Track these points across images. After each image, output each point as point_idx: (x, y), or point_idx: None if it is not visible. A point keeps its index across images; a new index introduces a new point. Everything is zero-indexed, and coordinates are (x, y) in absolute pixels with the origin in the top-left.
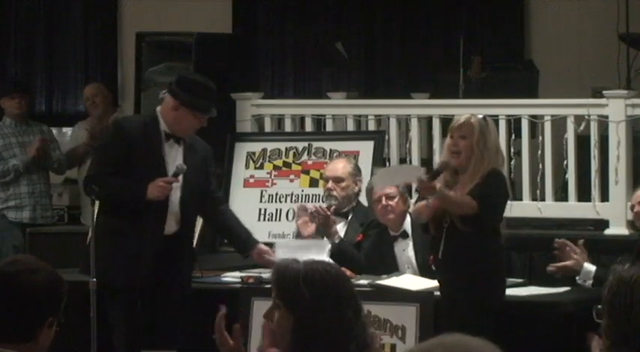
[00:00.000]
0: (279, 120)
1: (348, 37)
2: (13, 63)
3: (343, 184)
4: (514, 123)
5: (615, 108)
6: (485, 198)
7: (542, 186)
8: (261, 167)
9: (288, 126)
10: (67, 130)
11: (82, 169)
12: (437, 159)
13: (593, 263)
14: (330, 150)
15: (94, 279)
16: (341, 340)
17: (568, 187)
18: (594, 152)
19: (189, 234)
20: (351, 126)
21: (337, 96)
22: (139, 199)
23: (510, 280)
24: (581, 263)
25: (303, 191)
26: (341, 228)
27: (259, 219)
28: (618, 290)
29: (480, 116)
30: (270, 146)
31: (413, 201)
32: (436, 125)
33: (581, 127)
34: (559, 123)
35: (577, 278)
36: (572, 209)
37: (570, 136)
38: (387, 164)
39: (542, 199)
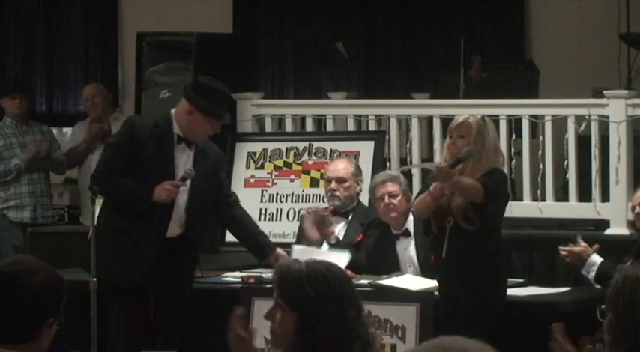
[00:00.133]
0: (279, 120)
1: (348, 37)
2: (13, 63)
3: (346, 184)
4: (514, 123)
5: (616, 108)
6: (490, 187)
7: (542, 186)
8: (262, 167)
9: (288, 126)
10: (67, 130)
11: (82, 169)
12: (437, 160)
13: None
14: (331, 150)
15: (94, 279)
16: (345, 339)
17: (568, 187)
18: (595, 152)
19: (194, 237)
20: (351, 126)
21: (337, 96)
22: (145, 200)
23: (510, 280)
24: (589, 253)
25: (303, 191)
26: (341, 228)
27: (260, 219)
28: (623, 287)
29: (479, 116)
30: (271, 146)
31: (414, 195)
32: (437, 125)
33: (582, 127)
34: (559, 123)
35: (582, 270)
36: (573, 209)
37: (571, 136)
38: (388, 164)
39: (543, 199)
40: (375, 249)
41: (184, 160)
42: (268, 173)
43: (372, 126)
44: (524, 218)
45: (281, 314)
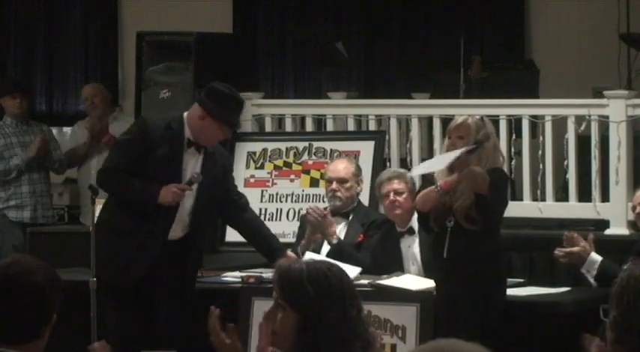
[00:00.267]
0: (279, 120)
1: (348, 37)
2: (13, 63)
3: (347, 185)
4: (515, 123)
5: (616, 108)
6: (494, 180)
7: (542, 186)
8: (262, 167)
9: (288, 126)
10: (67, 130)
11: (81, 169)
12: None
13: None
14: (331, 150)
15: (94, 279)
16: (346, 338)
17: (569, 187)
18: (595, 152)
19: (198, 240)
20: (351, 126)
21: (337, 96)
22: (150, 201)
23: (510, 280)
24: (589, 251)
25: (303, 191)
26: (342, 229)
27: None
28: (628, 285)
29: (478, 116)
30: (271, 146)
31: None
32: (437, 125)
33: (582, 127)
34: (560, 124)
35: (582, 269)
36: (573, 209)
37: (571, 136)
38: (388, 164)
39: (543, 199)
40: (379, 247)
41: (192, 164)
42: (268, 173)
43: (372, 126)
44: (524, 218)
45: (282, 315)
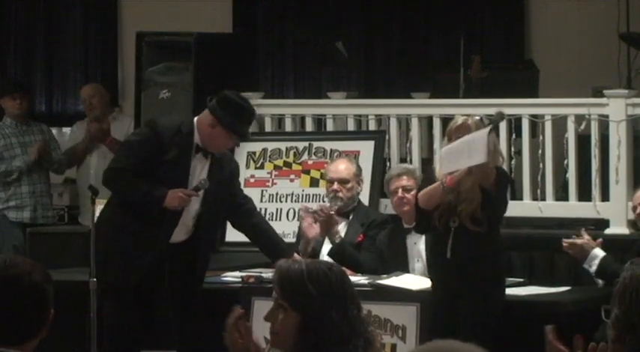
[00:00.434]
0: (279, 120)
1: (348, 37)
2: (13, 63)
3: (349, 185)
4: (514, 123)
5: (616, 107)
6: (499, 173)
7: (542, 186)
8: (262, 167)
9: (288, 126)
10: (67, 130)
11: (80, 169)
12: (438, 159)
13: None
14: (331, 149)
15: (94, 279)
16: (348, 337)
17: (568, 187)
18: (595, 151)
19: (206, 243)
20: (351, 126)
21: (337, 96)
22: (156, 204)
23: (510, 280)
24: (593, 246)
25: (303, 191)
26: (342, 228)
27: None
28: (630, 283)
29: (477, 117)
30: (271, 146)
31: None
32: (436, 125)
33: (582, 127)
34: (559, 123)
35: (584, 264)
36: (573, 208)
37: (571, 136)
38: (388, 164)
39: (543, 199)
40: (387, 243)
41: (200, 169)
42: (268, 173)
43: (372, 126)
44: (524, 217)
45: (283, 315)
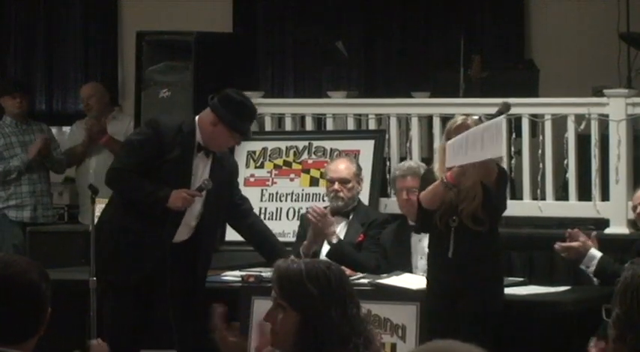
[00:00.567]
0: (279, 119)
1: (348, 36)
2: (13, 63)
3: (349, 185)
4: (514, 122)
5: (616, 107)
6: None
7: (542, 185)
8: (262, 166)
9: (288, 126)
10: (67, 130)
11: (79, 169)
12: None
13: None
14: (331, 149)
15: (94, 278)
16: (348, 336)
17: (568, 186)
18: (595, 151)
19: (207, 243)
20: (351, 126)
21: (337, 95)
22: (159, 205)
23: (510, 279)
24: (588, 247)
25: (303, 190)
26: (342, 228)
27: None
28: (632, 282)
29: (476, 117)
30: (271, 145)
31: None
32: (436, 124)
33: (582, 126)
34: (559, 123)
35: (581, 264)
36: (573, 208)
37: (571, 135)
38: (388, 163)
39: (543, 198)
40: (392, 239)
41: (202, 169)
42: (268, 172)
43: (372, 126)
44: (524, 217)
45: (282, 315)
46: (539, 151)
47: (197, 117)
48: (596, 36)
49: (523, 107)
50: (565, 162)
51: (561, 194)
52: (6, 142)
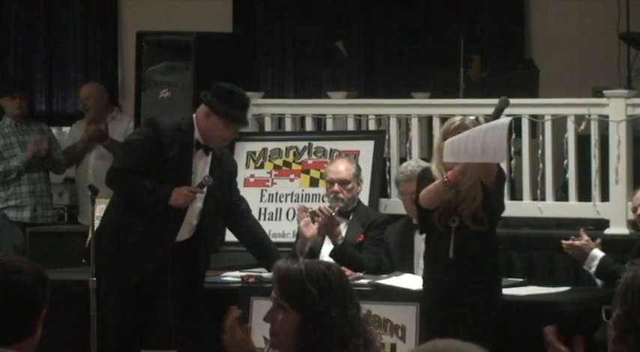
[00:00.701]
0: (279, 120)
1: (348, 37)
2: (13, 63)
3: (349, 186)
4: (514, 123)
5: (616, 107)
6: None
7: (542, 186)
8: (262, 166)
9: (288, 126)
10: (67, 130)
11: (79, 169)
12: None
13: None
14: (331, 149)
15: (94, 279)
16: (348, 336)
17: (568, 187)
18: (595, 151)
19: (207, 242)
20: (351, 126)
21: (337, 95)
22: (161, 203)
23: (510, 280)
24: (592, 247)
25: (303, 190)
26: (342, 229)
27: (260, 219)
28: (632, 283)
29: (472, 117)
30: (271, 145)
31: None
32: (436, 124)
33: (582, 127)
34: (559, 123)
35: (584, 265)
36: (573, 208)
37: (571, 136)
38: (388, 164)
39: (543, 199)
40: (397, 238)
41: (202, 167)
42: (268, 172)
43: (372, 126)
44: (523, 217)
45: (282, 315)
46: (539, 152)
47: (194, 115)
48: (596, 36)
49: (523, 107)
50: (565, 162)
51: (561, 194)
52: (6, 142)
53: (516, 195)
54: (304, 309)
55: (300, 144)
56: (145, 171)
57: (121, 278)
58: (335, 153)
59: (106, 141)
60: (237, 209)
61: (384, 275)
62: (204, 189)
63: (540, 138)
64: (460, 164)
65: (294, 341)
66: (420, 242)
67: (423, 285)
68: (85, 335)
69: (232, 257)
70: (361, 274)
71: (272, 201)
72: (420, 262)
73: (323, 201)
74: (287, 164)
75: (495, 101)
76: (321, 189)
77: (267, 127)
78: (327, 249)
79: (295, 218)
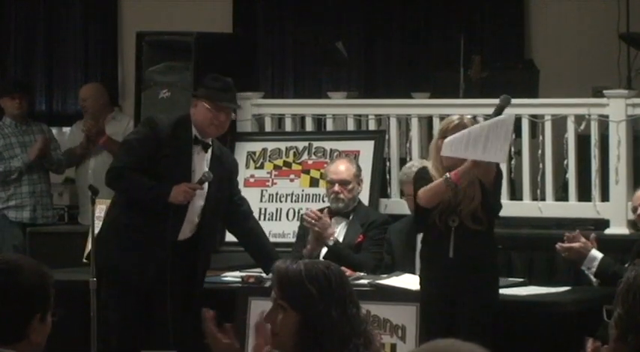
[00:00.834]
0: (279, 120)
1: (348, 37)
2: (13, 63)
3: (350, 187)
4: (514, 123)
5: (616, 107)
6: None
7: (542, 186)
8: (262, 167)
9: (288, 126)
10: (67, 130)
11: (79, 169)
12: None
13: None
14: (331, 149)
15: (94, 279)
16: (348, 336)
17: (568, 187)
18: (595, 151)
19: (207, 241)
20: (351, 126)
21: (337, 95)
22: (161, 200)
23: (510, 280)
24: (589, 248)
25: (303, 191)
26: (342, 229)
27: (260, 219)
28: (634, 282)
29: (469, 116)
30: (271, 146)
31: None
32: (436, 125)
33: (582, 127)
34: (559, 123)
35: (582, 266)
36: (573, 208)
37: (571, 136)
38: (388, 164)
39: (543, 199)
40: (398, 235)
41: (201, 163)
42: (268, 173)
43: (372, 126)
44: (523, 217)
45: (282, 315)
46: (539, 152)
47: (190, 111)
48: (596, 36)
49: (523, 107)
50: (565, 162)
51: (561, 194)
52: (6, 143)
53: (516, 195)
54: (304, 309)
55: (300, 145)
56: (144, 169)
57: (122, 277)
58: (335, 153)
59: (102, 139)
60: (239, 209)
61: (384, 276)
62: (205, 186)
63: (540, 138)
64: (465, 165)
65: (294, 341)
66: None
67: (421, 284)
68: (85, 336)
69: (232, 257)
70: (361, 274)
71: (272, 201)
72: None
73: (323, 201)
74: (287, 164)
75: (495, 101)
76: (321, 190)
77: (267, 127)
78: (325, 250)
79: (296, 218)
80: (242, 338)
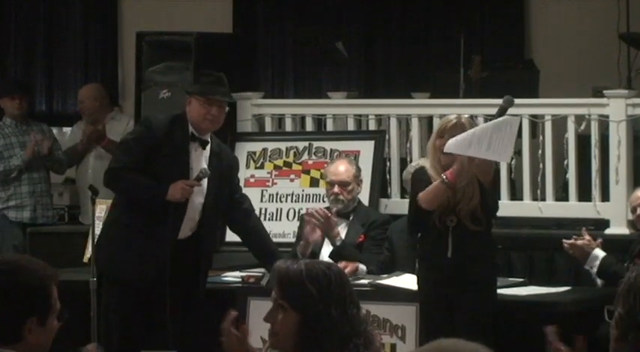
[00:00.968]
0: (279, 120)
1: (348, 37)
2: (13, 63)
3: (349, 187)
4: None
5: (616, 107)
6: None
7: (542, 186)
8: (262, 167)
9: (288, 126)
10: (67, 130)
11: (79, 169)
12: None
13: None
14: (331, 149)
15: (94, 279)
16: (348, 336)
17: (568, 187)
18: (595, 152)
19: (208, 240)
20: (351, 126)
21: (337, 95)
22: (159, 198)
23: (510, 280)
24: (593, 246)
25: (303, 191)
26: (342, 229)
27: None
28: (635, 282)
29: (466, 116)
30: (271, 146)
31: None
32: (436, 125)
33: (582, 127)
34: (559, 123)
35: (585, 265)
36: (573, 208)
37: (571, 136)
38: (388, 164)
39: (543, 199)
40: (399, 235)
41: (199, 161)
42: (268, 173)
43: (372, 126)
44: (524, 217)
45: (282, 315)
46: (540, 152)
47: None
48: (596, 36)
49: (523, 107)
50: (565, 162)
51: (561, 194)
52: (6, 143)
53: (516, 195)
54: (304, 309)
55: (301, 145)
56: (142, 169)
57: (123, 278)
58: (335, 154)
59: (103, 142)
60: (240, 207)
61: (384, 275)
62: (203, 182)
63: (540, 138)
64: (456, 163)
65: (294, 341)
66: None
67: (418, 285)
68: (85, 336)
69: (232, 257)
70: (362, 271)
71: (272, 201)
72: None
73: (323, 202)
74: (287, 164)
75: (495, 101)
76: (321, 190)
77: (268, 127)
78: (327, 249)
79: (296, 218)
80: None
